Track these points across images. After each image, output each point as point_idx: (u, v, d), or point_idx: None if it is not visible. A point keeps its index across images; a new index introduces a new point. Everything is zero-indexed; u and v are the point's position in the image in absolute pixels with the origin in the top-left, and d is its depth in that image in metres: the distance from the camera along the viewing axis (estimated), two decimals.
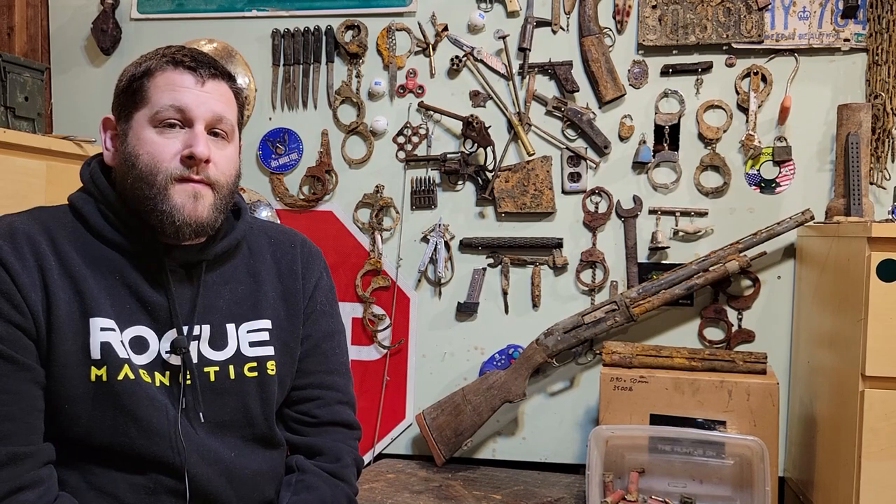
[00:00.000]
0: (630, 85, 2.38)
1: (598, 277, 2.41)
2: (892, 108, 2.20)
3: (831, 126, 2.24)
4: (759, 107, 2.31)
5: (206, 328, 1.26)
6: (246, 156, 2.56)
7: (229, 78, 1.28)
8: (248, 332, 1.29)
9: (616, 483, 2.04)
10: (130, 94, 1.23)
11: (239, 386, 1.27)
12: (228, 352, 1.27)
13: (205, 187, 1.22)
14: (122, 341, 1.19)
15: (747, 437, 1.94)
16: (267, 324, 1.31)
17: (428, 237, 2.48)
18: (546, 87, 2.43)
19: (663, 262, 2.36)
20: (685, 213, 2.35)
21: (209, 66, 1.24)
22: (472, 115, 2.40)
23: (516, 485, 2.24)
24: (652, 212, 2.37)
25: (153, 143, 1.20)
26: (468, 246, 2.47)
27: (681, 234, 2.34)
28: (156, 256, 1.23)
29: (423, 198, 2.49)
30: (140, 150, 1.20)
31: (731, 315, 2.33)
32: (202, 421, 1.23)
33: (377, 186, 2.52)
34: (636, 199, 2.38)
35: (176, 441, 1.20)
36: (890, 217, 2.03)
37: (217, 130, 1.24)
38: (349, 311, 2.51)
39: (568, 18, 2.42)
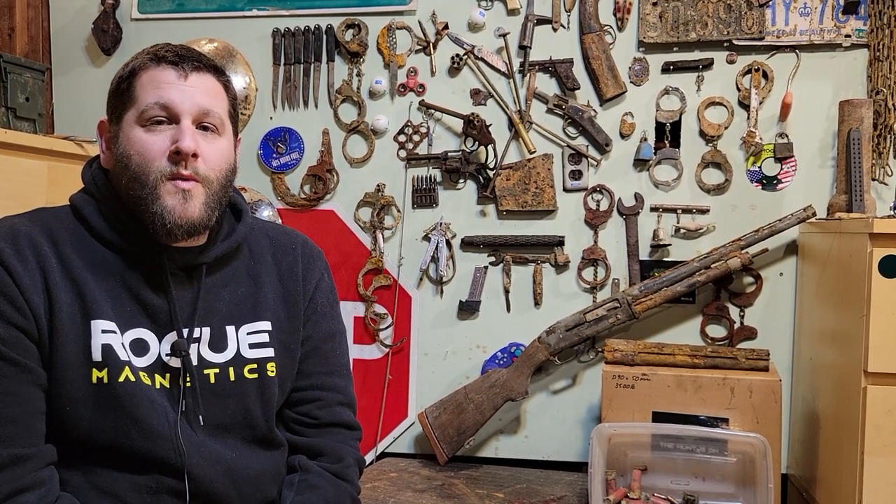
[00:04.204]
0: (631, 82, 2.38)
1: (600, 275, 2.41)
2: (893, 104, 2.20)
3: (833, 122, 2.24)
4: (761, 103, 2.31)
5: (206, 330, 1.26)
6: (247, 155, 2.56)
7: (216, 70, 1.27)
8: (248, 333, 1.29)
9: (619, 481, 2.04)
10: (119, 96, 1.24)
11: (239, 388, 1.27)
12: (228, 354, 1.27)
13: (195, 185, 1.21)
14: (122, 343, 1.19)
15: (750, 435, 1.94)
16: (267, 325, 1.31)
17: (429, 236, 2.48)
18: (547, 84, 2.43)
19: (665, 259, 2.36)
20: (687, 211, 2.35)
21: (192, 60, 1.23)
22: (472, 114, 2.40)
23: (519, 483, 2.24)
24: (653, 209, 2.37)
25: (142, 143, 1.20)
26: (469, 244, 2.47)
27: (682, 231, 2.34)
28: (156, 259, 1.23)
29: (424, 196, 2.49)
30: (131, 151, 1.20)
31: (734, 312, 2.33)
32: (202, 423, 1.23)
33: (378, 185, 2.52)
34: (637, 197, 2.38)
35: (177, 443, 1.20)
36: (892, 213, 2.02)
37: (206, 124, 1.23)
38: (351, 310, 2.51)
39: (568, 16, 2.42)
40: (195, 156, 1.20)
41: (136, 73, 1.22)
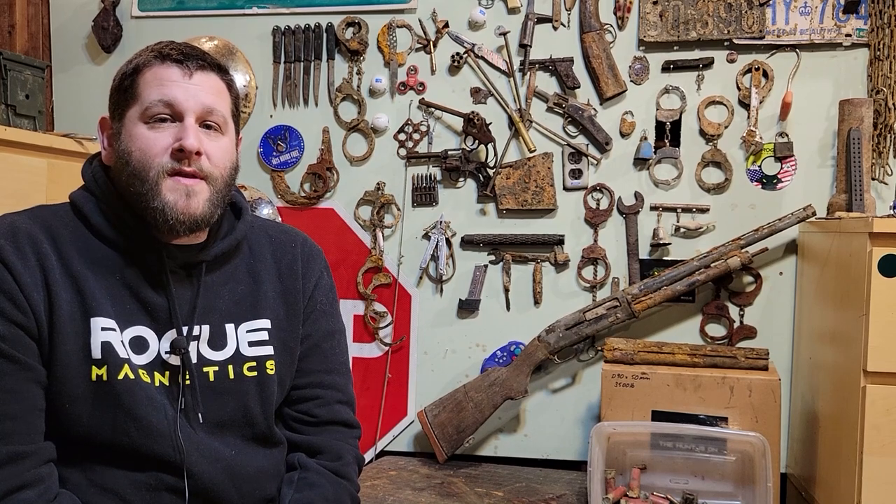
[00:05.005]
0: (631, 81, 2.38)
1: (600, 274, 2.41)
2: (893, 104, 2.20)
3: (833, 122, 2.24)
4: (761, 103, 2.31)
5: (206, 328, 1.26)
6: (247, 153, 2.56)
7: (220, 69, 1.27)
8: (248, 331, 1.29)
9: (618, 480, 2.04)
10: (122, 93, 1.24)
11: (238, 386, 1.27)
12: (227, 352, 1.27)
13: (199, 182, 1.21)
14: (122, 341, 1.19)
15: (749, 434, 1.94)
16: (266, 323, 1.31)
17: (429, 234, 2.48)
18: (547, 83, 2.43)
19: (665, 258, 2.36)
20: (686, 210, 2.35)
21: (197, 59, 1.23)
22: (473, 112, 2.40)
23: (518, 482, 2.24)
24: (653, 208, 2.37)
25: (144, 139, 1.20)
26: (469, 243, 2.47)
27: (682, 230, 2.34)
28: (156, 256, 1.23)
29: (424, 195, 2.49)
30: (132, 147, 1.20)
31: (733, 311, 2.33)
32: (201, 421, 1.24)
33: (378, 184, 2.52)
34: (637, 196, 2.38)
35: (176, 440, 1.20)
36: (891, 212, 2.02)
37: (209, 122, 1.23)
38: (351, 309, 2.51)
39: (569, 15, 2.41)
40: (198, 154, 1.20)
41: (140, 70, 1.22)
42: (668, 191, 2.37)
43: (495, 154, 2.43)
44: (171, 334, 1.23)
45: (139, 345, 1.21)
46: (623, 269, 2.39)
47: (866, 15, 2.25)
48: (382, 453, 2.52)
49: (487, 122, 2.40)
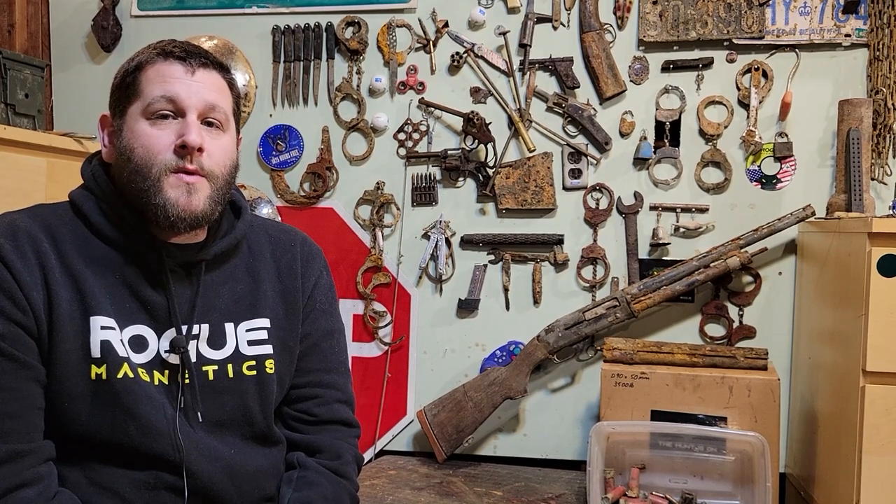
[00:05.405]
0: (631, 81, 2.38)
1: (599, 274, 2.41)
2: (893, 104, 2.20)
3: (832, 122, 2.24)
4: (760, 103, 2.31)
5: (206, 327, 1.26)
6: (247, 153, 2.56)
7: (221, 68, 1.27)
8: (247, 330, 1.29)
9: (617, 479, 2.04)
10: (124, 90, 1.24)
11: (237, 385, 1.27)
12: (227, 351, 1.27)
13: (200, 179, 1.21)
14: (121, 340, 1.19)
15: (748, 434, 1.94)
16: (265, 322, 1.31)
17: (429, 234, 2.48)
18: (547, 83, 2.43)
19: (664, 258, 2.36)
20: (686, 210, 2.35)
21: (199, 56, 1.24)
22: (472, 112, 2.40)
23: (517, 481, 2.24)
24: (653, 208, 2.37)
25: (147, 136, 1.20)
26: (469, 242, 2.47)
27: (682, 230, 2.34)
28: (155, 255, 1.23)
29: (423, 194, 2.49)
30: (135, 144, 1.20)
31: (732, 311, 2.33)
32: (200, 420, 1.24)
33: (378, 183, 2.52)
34: (637, 196, 2.38)
35: (175, 439, 1.20)
36: (891, 212, 2.02)
37: (211, 120, 1.23)
38: (350, 308, 2.51)
39: (569, 14, 2.42)
40: (200, 150, 1.20)
41: (143, 67, 1.22)
42: (668, 191, 2.37)
43: (495, 154, 2.43)
44: (171, 333, 1.23)
45: (138, 344, 1.21)
46: (622, 269, 2.39)
47: (866, 15, 2.25)
48: (382, 453, 2.52)
49: (487, 121, 2.40)
